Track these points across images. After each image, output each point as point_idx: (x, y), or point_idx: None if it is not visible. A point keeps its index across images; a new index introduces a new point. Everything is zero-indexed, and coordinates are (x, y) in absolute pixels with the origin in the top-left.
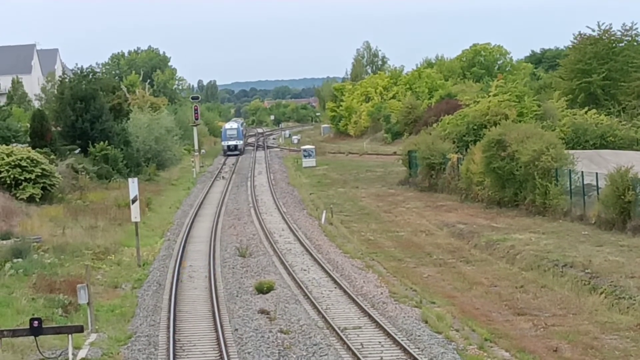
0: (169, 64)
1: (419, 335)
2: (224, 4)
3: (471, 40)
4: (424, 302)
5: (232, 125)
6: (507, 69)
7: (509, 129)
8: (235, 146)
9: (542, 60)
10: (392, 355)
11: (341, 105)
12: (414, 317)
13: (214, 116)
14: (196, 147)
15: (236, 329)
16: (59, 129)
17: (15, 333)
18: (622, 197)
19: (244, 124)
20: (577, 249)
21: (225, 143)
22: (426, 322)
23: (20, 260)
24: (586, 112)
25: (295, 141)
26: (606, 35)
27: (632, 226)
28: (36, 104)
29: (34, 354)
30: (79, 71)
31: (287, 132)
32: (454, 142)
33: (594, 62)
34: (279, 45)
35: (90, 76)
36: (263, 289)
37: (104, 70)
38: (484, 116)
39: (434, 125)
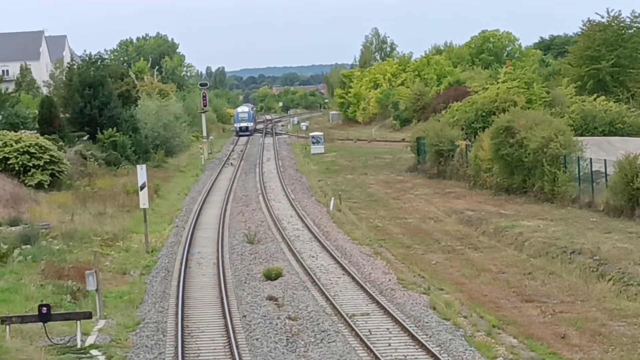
0: (178, 50)
1: (427, 322)
2: None
3: (480, 26)
4: (432, 288)
5: (243, 109)
6: (515, 56)
7: (517, 115)
8: (247, 127)
9: (551, 46)
10: (400, 342)
11: (350, 92)
12: (422, 304)
13: (222, 103)
14: (204, 133)
15: (244, 316)
16: (67, 115)
17: (24, 319)
18: (631, 183)
19: (254, 108)
20: (586, 235)
21: (237, 125)
22: (434, 308)
23: (28, 246)
24: (595, 99)
25: (304, 128)
26: (615, 21)
27: None
28: (44, 91)
29: (43, 340)
30: (87, 58)
31: (296, 118)
32: (462, 129)
33: (602, 49)
34: (288, 31)
35: (99, 63)
36: (271, 276)
37: (112, 57)
38: (493, 103)
39: (443, 112)
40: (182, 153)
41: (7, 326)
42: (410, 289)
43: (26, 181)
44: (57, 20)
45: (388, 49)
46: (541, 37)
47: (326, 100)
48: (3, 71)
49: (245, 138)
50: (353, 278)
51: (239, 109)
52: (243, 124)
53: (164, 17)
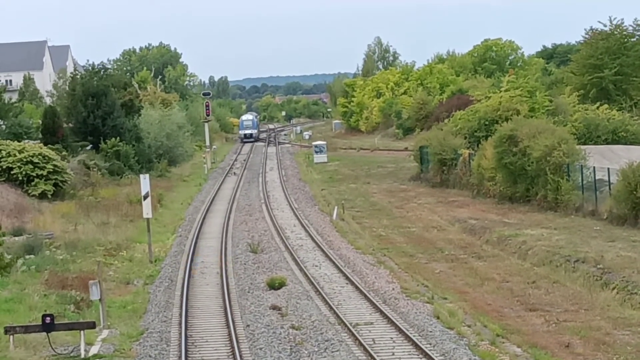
0: (180, 60)
1: (430, 331)
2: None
3: (482, 35)
4: (436, 297)
5: (248, 117)
6: (518, 65)
7: (520, 124)
8: (251, 134)
9: (554, 55)
10: (404, 351)
11: (352, 101)
12: (426, 313)
13: (225, 112)
14: (207, 143)
15: (248, 325)
16: (70, 125)
17: (27, 329)
18: (634, 192)
19: (258, 116)
20: (589, 244)
21: (242, 132)
22: (438, 317)
23: (32, 256)
24: (598, 108)
25: (307, 137)
26: (618, 30)
27: None
28: (48, 101)
29: (46, 350)
30: (90, 67)
31: (299, 128)
32: (465, 138)
33: (605, 57)
34: (290, 41)
35: (102, 72)
36: (275, 285)
37: (115, 67)
38: (496, 112)
39: (446, 120)
40: (185, 162)
41: (11, 336)
42: (414, 298)
43: (29, 191)
44: (60, 30)
45: (391, 57)
46: (544, 46)
47: (329, 110)
48: (6, 81)
49: (248, 147)
50: (356, 287)
51: (244, 117)
52: (247, 131)
53: (167, 26)
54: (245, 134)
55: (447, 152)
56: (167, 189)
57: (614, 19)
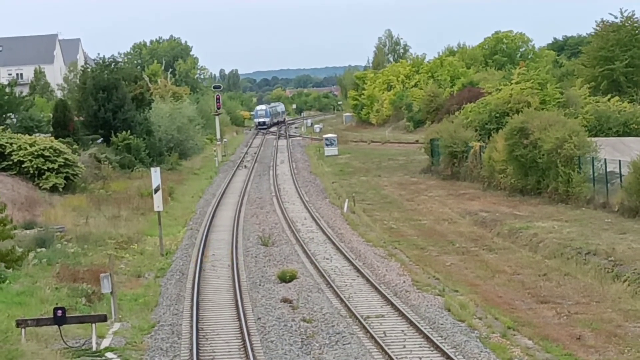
0: (191, 53)
1: (441, 324)
2: None
3: (493, 27)
4: (447, 290)
5: (261, 107)
6: (529, 57)
7: (531, 116)
8: (264, 122)
9: (565, 47)
10: (415, 344)
11: (363, 94)
12: (437, 306)
13: (235, 105)
14: (218, 136)
15: (259, 318)
16: (81, 118)
17: (39, 322)
18: None
19: (280, 106)
20: (600, 236)
21: (256, 120)
22: (449, 310)
23: (43, 249)
24: (609, 100)
25: (318, 130)
26: (629, 22)
27: None
28: (58, 94)
29: (58, 343)
30: (101, 61)
31: (309, 120)
32: (476, 130)
33: (616, 49)
34: (301, 34)
35: (113, 66)
36: (286, 278)
37: (126, 60)
38: (507, 104)
39: (456, 113)
40: (196, 155)
41: (23, 329)
42: (425, 291)
43: (41, 184)
44: (70, 23)
45: (401, 50)
46: (555, 38)
47: (339, 102)
48: (17, 75)
49: (259, 140)
50: (367, 280)
51: (258, 107)
52: (261, 120)
53: (178, 20)
54: (259, 122)
55: (458, 144)
56: (178, 182)
57: (625, 10)
